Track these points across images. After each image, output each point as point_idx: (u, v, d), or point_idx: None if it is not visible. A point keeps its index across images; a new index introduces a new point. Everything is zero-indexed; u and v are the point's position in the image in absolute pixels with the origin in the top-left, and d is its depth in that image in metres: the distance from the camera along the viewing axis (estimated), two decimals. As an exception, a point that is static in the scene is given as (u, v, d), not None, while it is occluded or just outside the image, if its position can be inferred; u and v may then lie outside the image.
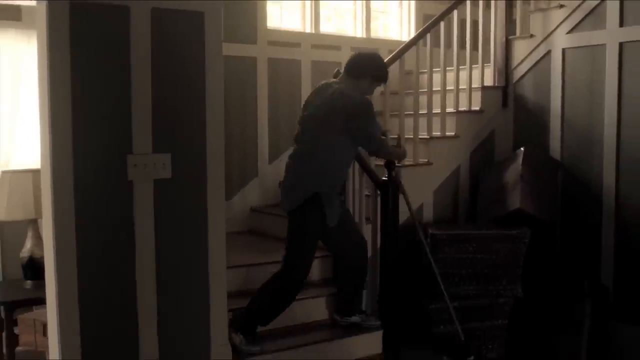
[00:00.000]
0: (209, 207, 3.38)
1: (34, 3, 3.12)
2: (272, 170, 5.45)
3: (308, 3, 5.73)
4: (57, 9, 2.93)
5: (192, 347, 3.39)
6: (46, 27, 2.93)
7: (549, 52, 5.09)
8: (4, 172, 4.32)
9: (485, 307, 4.52)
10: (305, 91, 5.58)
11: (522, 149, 4.96)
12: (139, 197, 3.18)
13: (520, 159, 4.84)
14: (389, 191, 4.16)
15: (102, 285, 3.14)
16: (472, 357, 4.20)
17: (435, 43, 5.05)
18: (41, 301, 3.97)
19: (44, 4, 2.94)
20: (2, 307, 4.21)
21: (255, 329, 3.76)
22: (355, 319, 4.11)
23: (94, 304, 3.11)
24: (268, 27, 5.43)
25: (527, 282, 4.58)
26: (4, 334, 4.29)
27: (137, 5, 3.11)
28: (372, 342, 4.09)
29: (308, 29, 5.72)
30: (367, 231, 4.39)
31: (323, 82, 4.05)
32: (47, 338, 3.63)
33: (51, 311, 3.14)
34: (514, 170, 4.80)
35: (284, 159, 5.47)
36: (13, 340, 4.15)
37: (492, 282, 4.51)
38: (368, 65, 3.93)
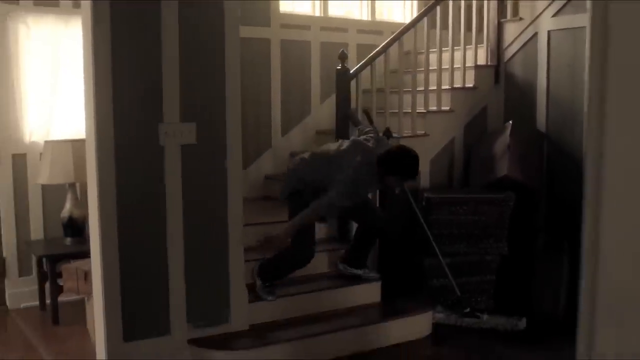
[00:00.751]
0: (228, 169, 3.93)
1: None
2: (284, 143, 5.98)
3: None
4: (101, 5, 3.46)
5: (213, 289, 3.95)
6: (90, 14, 3.46)
7: (536, 34, 5.55)
8: (46, 142, 4.88)
9: (474, 264, 5.02)
10: (315, 70, 6.10)
11: (510, 122, 5.45)
12: (168, 160, 3.74)
13: (508, 131, 5.33)
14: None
15: (137, 236, 3.70)
16: (468, 309, 4.74)
17: (433, 25, 5.53)
18: (80, 255, 4.57)
19: (88, 1, 3.47)
20: (46, 260, 4.79)
21: (273, 281, 4.32)
22: (358, 271, 4.64)
23: (131, 253, 3.68)
24: (281, 11, 5.93)
25: (513, 242, 5.07)
26: (47, 285, 4.89)
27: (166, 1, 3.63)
28: (371, 291, 4.63)
29: (317, 12, 6.21)
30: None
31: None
32: (88, 284, 4.23)
33: (95, 261, 3.71)
34: (503, 141, 5.30)
35: (295, 132, 6.03)
36: (56, 289, 4.75)
37: (481, 241, 5.01)
38: (395, 166, 4.10)
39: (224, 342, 3.92)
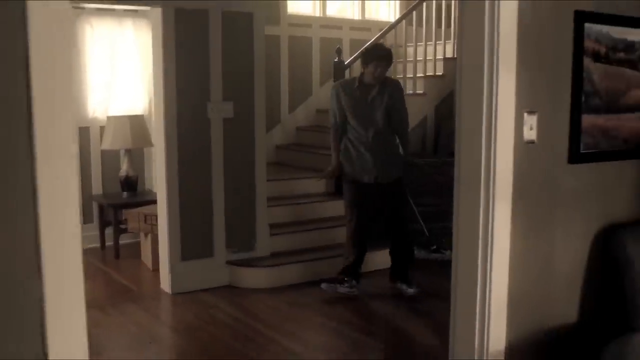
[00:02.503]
0: (256, 137, 5.33)
1: (148, 8, 5.04)
2: (291, 119, 7.37)
3: (317, -7, 7.63)
4: (168, 12, 4.84)
5: (244, 224, 5.36)
6: (161, 22, 4.84)
7: (492, 33, 6.95)
8: (109, 117, 6.26)
9: (440, 212, 6.42)
10: (315, 61, 7.48)
11: (471, 102, 6.87)
12: (214, 129, 5.13)
13: (469, 110, 6.76)
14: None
15: (191, 185, 5.10)
16: (434, 247, 6.18)
17: (410, 23, 6.92)
18: (135, 204, 5.96)
19: (159, 10, 4.85)
20: (111, 208, 6.19)
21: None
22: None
23: (187, 197, 5.08)
24: (289, 13, 7.30)
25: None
26: (106, 229, 6.31)
27: (213, 10, 5.01)
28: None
29: (318, 13, 7.60)
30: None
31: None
32: (147, 224, 5.63)
33: (162, 203, 5.10)
34: (464, 117, 6.73)
35: (300, 110, 7.41)
36: (118, 230, 6.15)
37: (445, 194, 6.40)
38: (368, 53, 4.89)
39: (250, 263, 5.36)
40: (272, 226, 5.60)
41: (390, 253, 5.23)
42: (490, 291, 2.63)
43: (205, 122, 5.09)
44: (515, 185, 2.66)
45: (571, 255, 2.87)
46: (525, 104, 2.65)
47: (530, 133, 2.68)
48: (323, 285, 5.03)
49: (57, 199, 1.69)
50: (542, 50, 2.69)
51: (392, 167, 4.96)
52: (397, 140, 5.00)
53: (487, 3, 2.54)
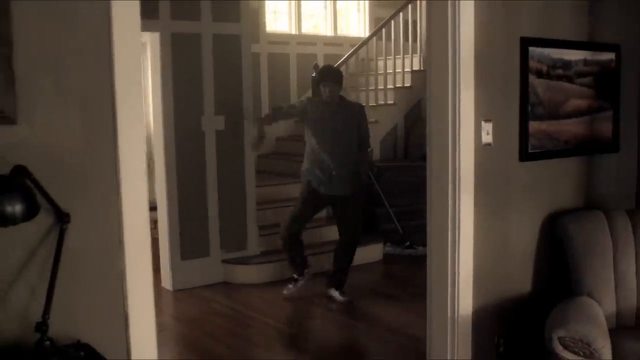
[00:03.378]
0: (245, 147, 5.89)
1: (149, 33, 5.59)
2: (271, 129, 7.89)
3: (293, 12, 8.19)
4: (165, 36, 5.39)
5: (236, 226, 5.91)
6: (159, 45, 5.38)
7: (454, 47, 7.61)
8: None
9: (413, 212, 7.05)
10: (293, 75, 8.06)
11: (437, 111, 7.50)
12: (207, 140, 5.68)
13: (435, 118, 7.39)
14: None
15: (189, 191, 5.63)
16: (408, 243, 6.78)
17: (380, 38, 7.54)
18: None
19: (157, 34, 5.39)
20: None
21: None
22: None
23: (185, 202, 5.62)
24: (267, 31, 7.88)
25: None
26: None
27: (205, 33, 5.56)
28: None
29: (294, 30, 8.19)
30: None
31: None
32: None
33: (162, 208, 5.62)
34: (431, 124, 7.36)
35: (280, 122, 7.93)
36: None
37: (417, 195, 7.01)
38: (319, 74, 5.26)
39: (243, 261, 5.91)
40: (261, 227, 6.16)
41: (335, 261, 5.41)
42: (458, 267, 3.22)
43: (199, 134, 5.64)
44: (477, 181, 3.25)
45: (524, 237, 3.48)
46: (482, 113, 3.24)
47: (487, 137, 3.28)
48: (286, 292, 5.43)
49: (134, 194, 2.25)
50: (495, 69, 3.29)
51: (347, 182, 5.16)
52: (357, 158, 5.20)
53: (449, 31, 3.14)
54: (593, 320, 2.96)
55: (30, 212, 1.79)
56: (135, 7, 2.22)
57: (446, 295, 3.26)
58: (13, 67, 1.99)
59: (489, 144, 3.29)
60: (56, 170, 2.08)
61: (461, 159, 3.19)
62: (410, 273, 6.16)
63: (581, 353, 2.77)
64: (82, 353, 2.04)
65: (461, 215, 3.22)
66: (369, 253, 6.46)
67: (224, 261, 5.85)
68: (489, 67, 3.25)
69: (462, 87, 3.15)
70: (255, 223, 6.06)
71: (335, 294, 5.33)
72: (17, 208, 1.73)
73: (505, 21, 3.29)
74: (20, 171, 1.87)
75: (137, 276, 2.27)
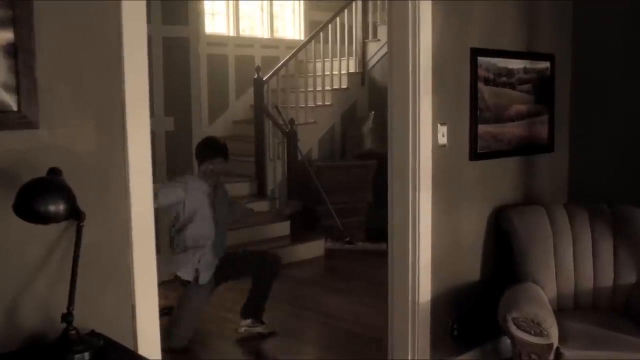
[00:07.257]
0: (193, 147, 6.01)
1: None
2: (211, 129, 8.02)
3: (231, 15, 8.35)
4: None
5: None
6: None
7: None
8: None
9: (351, 209, 7.36)
10: (231, 76, 8.22)
11: (372, 112, 7.83)
12: (157, 141, 5.79)
13: (371, 118, 7.72)
14: (291, 139, 6.91)
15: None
16: (348, 239, 7.07)
17: (318, 41, 7.80)
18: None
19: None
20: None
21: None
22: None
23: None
24: (206, 32, 8.00)
25: (376, 194, 7.43)
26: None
27: (155, 36, 5.67)
28: (285, 228, 6.86)
29: (232, 32, 8.35)
30: (277, 165, 7.13)
31: None
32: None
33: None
34: (367, 125, 7.68)
35: (218, 122, 8.13)
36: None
37: (355, 193, 7.36)
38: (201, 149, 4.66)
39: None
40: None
41: (251, 291, 4.73)
42: (418, 257, 3.51)
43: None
44: (434, 178, 3.55)
45: (474, 229, 3.83)
46: (438, 117, 3.55)
47: (442, 139, 3.59)
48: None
49: (141, 193, 2.43)
50: (449, 77, 3.61)
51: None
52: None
53: (410, 44, 3.42)
54: (540, 303, 3.32)
55: (71, 212, 1.93)
56: (143, 24, 2.40)
57: (407, 285, 3.54)
58: (36, 75, 2.13)
59: (444, 145, 3.60)
60: (74, 172, 2.23)
61: (420, 158, 3.49)
62: (351, 267, 6.46)
63: (532, 332, 3.12)
64: (101, 341, 2.20)
65: (420, 210, 3.51)
66: (310, 249, 6.72)
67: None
68: (444, 75, 3.56)
69: (421, 93, 3.44)
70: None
71: (253, 324, 4.71)
72: (60, 207, 1.87)
73: (458, 33, 3.62)
74: (56, 173, 2.01)
75: (143, 269, 2.44)
